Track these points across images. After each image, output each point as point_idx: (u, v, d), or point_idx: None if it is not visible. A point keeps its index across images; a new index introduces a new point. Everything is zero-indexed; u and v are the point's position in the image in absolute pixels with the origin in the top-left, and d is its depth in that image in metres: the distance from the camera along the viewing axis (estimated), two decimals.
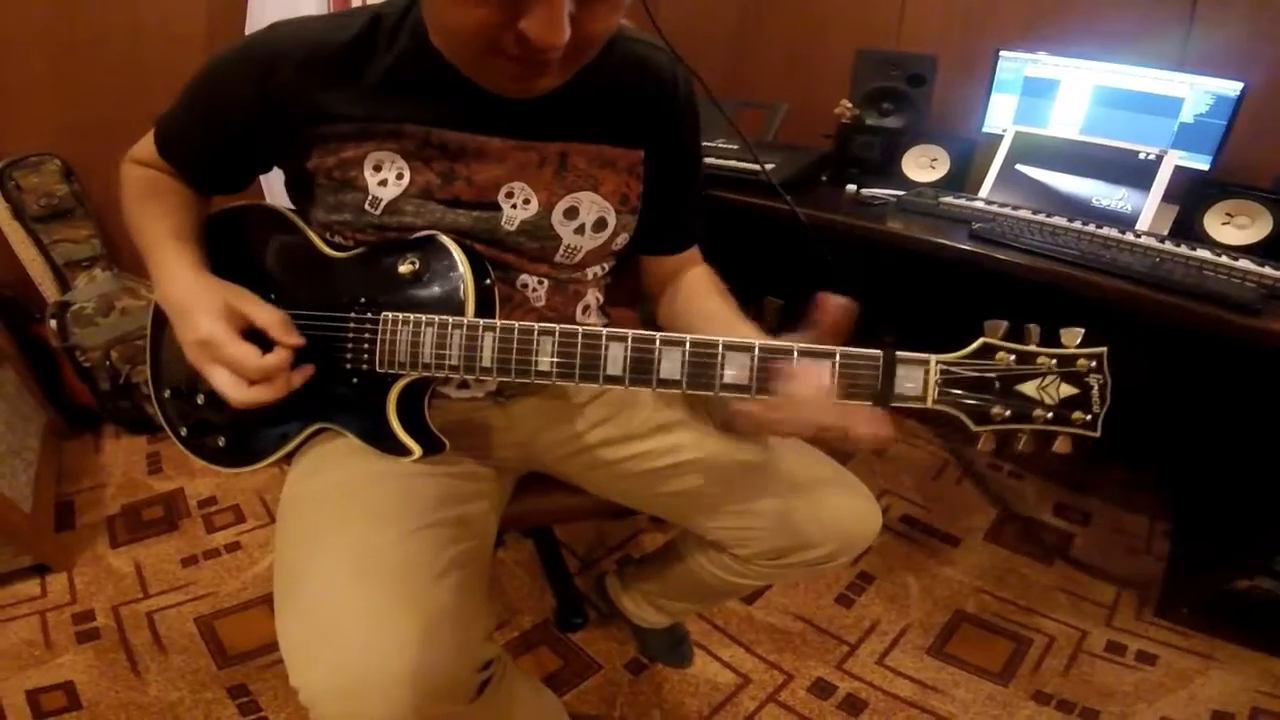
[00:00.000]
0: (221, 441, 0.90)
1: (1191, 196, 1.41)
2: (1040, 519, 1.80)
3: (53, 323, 1.83)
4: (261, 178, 0.95)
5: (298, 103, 0.78)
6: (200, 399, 0.90)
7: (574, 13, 0.64)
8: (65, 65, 1.82)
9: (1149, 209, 1.44)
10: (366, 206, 0.80)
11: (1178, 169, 1.44)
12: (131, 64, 1.87)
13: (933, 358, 0.67)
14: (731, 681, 1.35)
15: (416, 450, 0.80)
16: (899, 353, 0.67)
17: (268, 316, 0.76)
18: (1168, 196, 1.44)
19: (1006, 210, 1.50)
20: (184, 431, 0.93)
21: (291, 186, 0.88)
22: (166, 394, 0.94)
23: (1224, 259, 1.26)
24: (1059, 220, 1.43)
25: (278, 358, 0.74)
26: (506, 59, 0.67)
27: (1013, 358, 0.66)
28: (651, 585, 1.25)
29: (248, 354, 0.72)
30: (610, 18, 0.68)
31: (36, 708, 1.24)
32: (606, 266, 0.96)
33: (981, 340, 0.67)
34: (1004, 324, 0.67)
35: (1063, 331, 0.66)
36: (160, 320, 0.94)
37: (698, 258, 1.03)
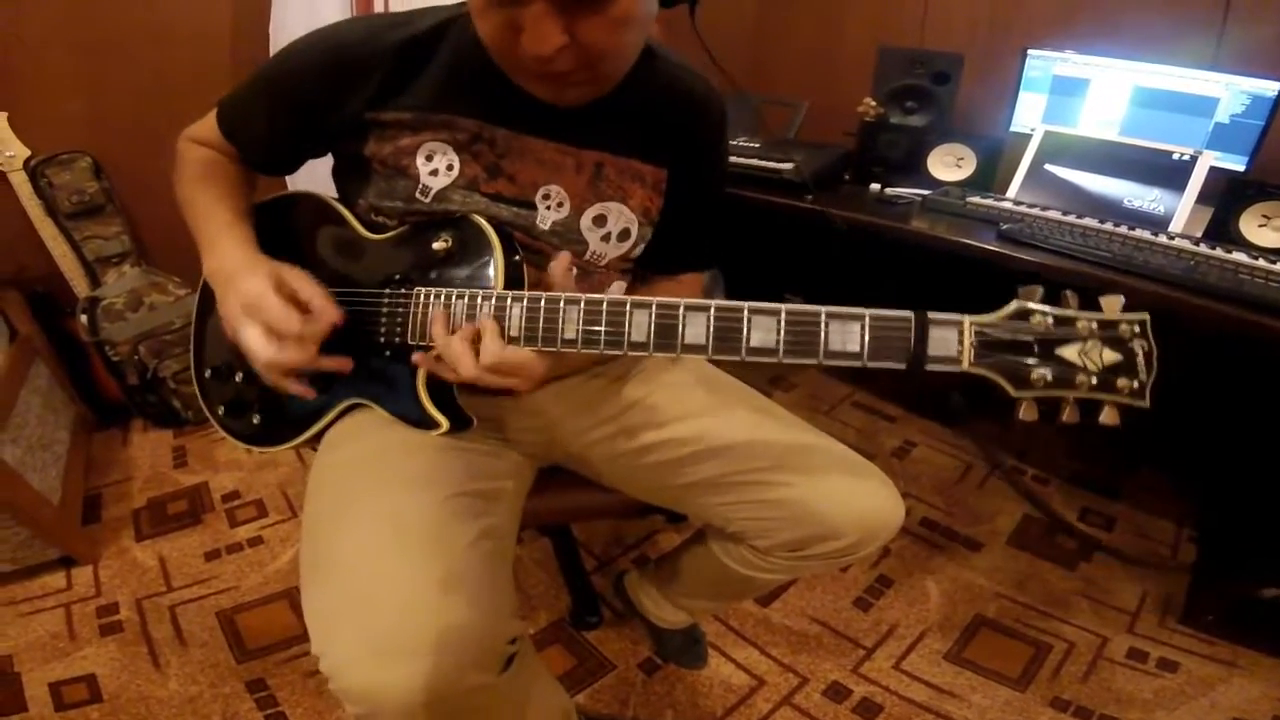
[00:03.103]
0: (256, 419, 0.93)
1: (1227, 198, 1.38)
2: (1064, 524, 1.77)
3: (83, 317, 1.86)
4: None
5: (362, 93, 0.82)
6: (239, 377, 0.93)
7: (572, 29, 0.67)
8: (92, 64, 1.85)
9: (1183, 211, 1.41)
10: (417, 194, 0.84)
11: (1212, 170, 1.40)
12: (156, 63, 1.89)
13: (966, 318, 0.64)
14: (745, 683, 1.34)
15: (444, 423, 0.82)
16: (931, 313, 0.65)
17: (311, 290, 0.79)
18: (1202, 198, 1.40)
19: (1035, 211, 1.48)
20: (221, 410, 0.96)
21: (341, 171, 0.91)
22: (207, 373, 0.98)
23: (1261, 262, 1.23)
24: (1090, 221, 1.40)
25: (314, 326, 0.77)
26: (531, 71, 0.71)
27: (1051, 320, 0.63)
28: (670, 582, 1.25)
29: (290, 316, 0.76)
30: (616, 32, 0.70)
31: (59, 699, 1.26)
32: (628, 266, 0.98)
33: (1016, 302, 0.64)
34: (1039, 288, 0.64)
35: (1102, 298, 0.63)
36: (206, 302, 0.97)
37: (694, 282, 1.06)
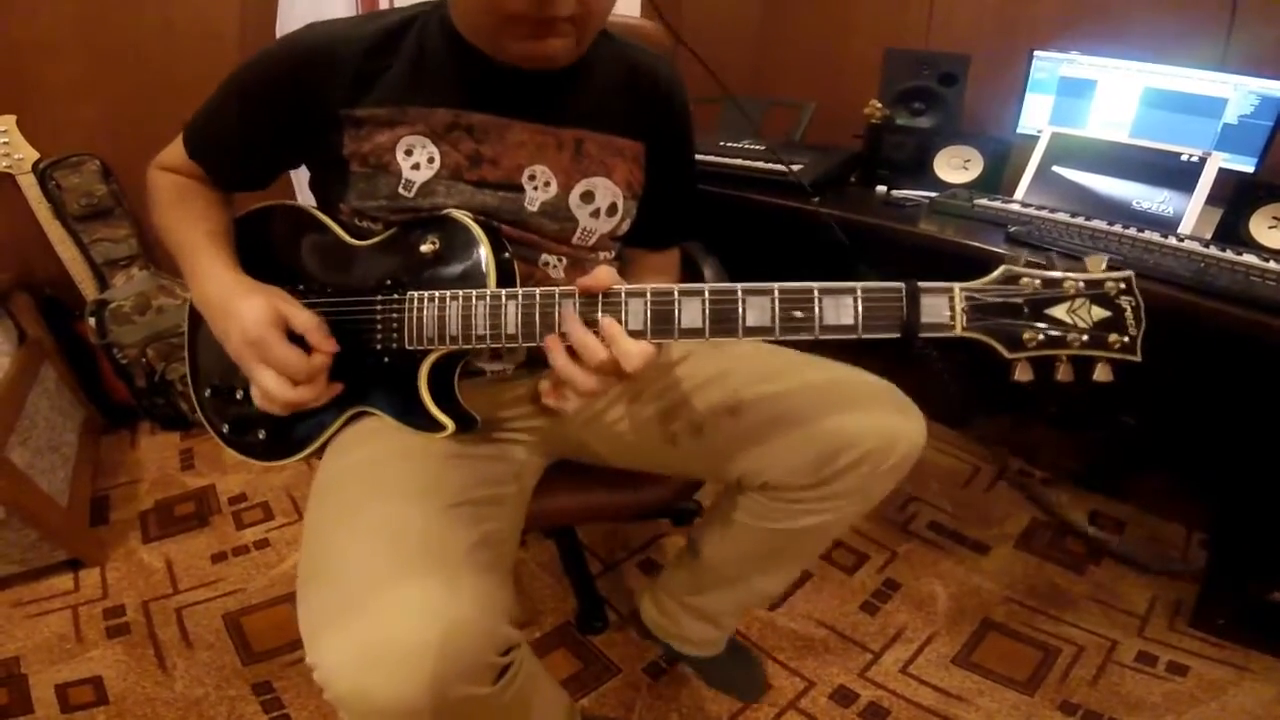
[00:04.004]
0: (262, 435, 0.93)
1: (1237, 199, 1.36)
2: (1073, 527, 1.76)
3: (91, 320, 1.87)
4: (292, 178, 0.97)
5: (334, 91, 0.82)
6: (239, 394, 0.93)
7: None
8: (101, 66, 1.87)
9: (1192, 212, 1.40)
10: (401, 190, 0.84)
11: (1222, 171, 1.39)
12: (165, 65, 1.90)
13: (956, 285, 0.66)
14: None
15: (450, 425, 0.82)
16: (921, 283, 0.67)
17: (306, 320, 0.79)
18: (1211, 199, 1.39)
19: (1044, 213, 1.47)
20: (225, 429, 0.96)
21: (319, 179, 0.91)
22: (207, 393, 0.97)
23: (1272, 264, 1.21)
24: (1099, 223, 1.40)
25: (320, 360, 0.78)
26: (520, 22, 0.73)
27: (1039, 282, 0.65)
28: (682, 581, 1.19)
29: (297, 357, 0.76)
30: None
31: (65, 701, 1.27)
32: (615, 250, 0.99)
33: (1004, 267, 0.66)
34: (1024, 252, 0.67)
35: (1086, 258, 0.65)
36: (197, 321, 0.97)
37: (675, 255, 1.10)
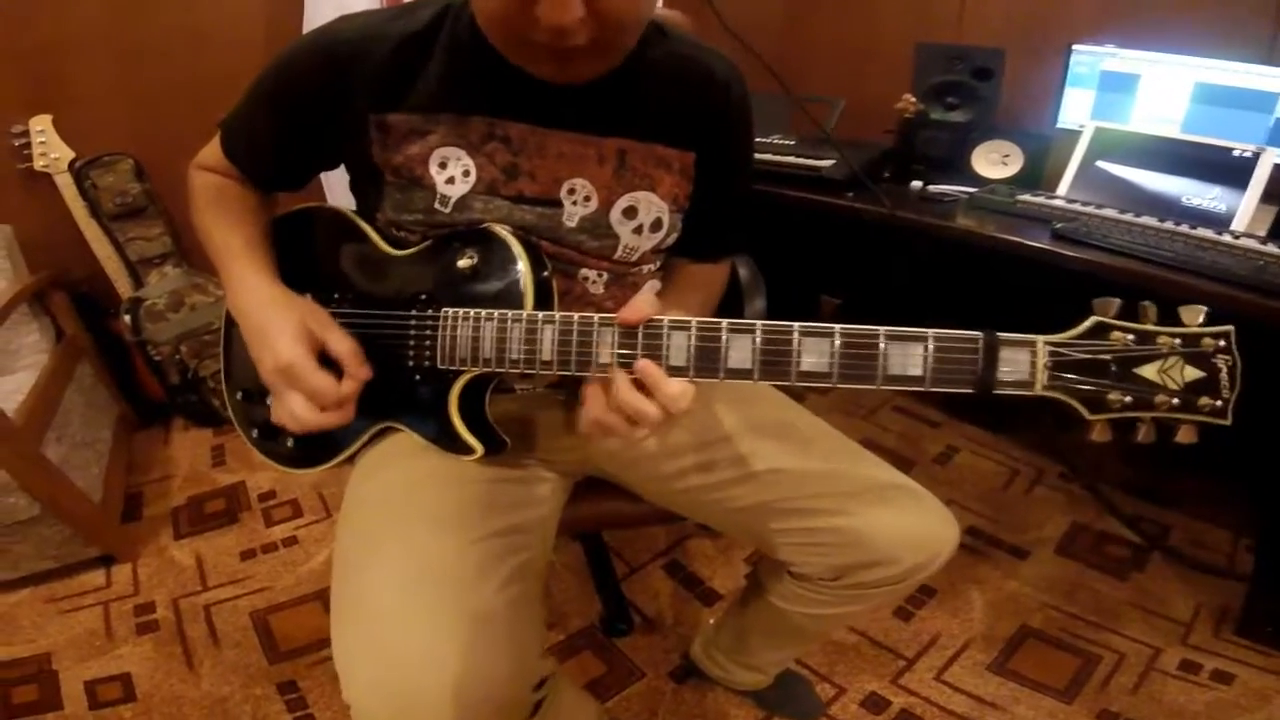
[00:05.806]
0: (290, 443, 0.91)
1: None
2: (1116, 532, 1.71)
3: (126, 318, 1.90)
4: (322, 179, 0.95)
5: (364, 93, 0.78)
6: (269, 401, 0.91)
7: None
8: (132, 68, 1.89)
9: (1245, 209, 1.35)
10: (437, 205, 0.80)
11: (1276, 167, 1.34)
12: (193, 67, 1.93)
13: (1040, 339, 0.60)
14: None
15: (479, 449, 0.79)
16: (1001, 334, 0.61)
17: (341, 346, 0.76)
18: (1265, 196, 1.34)
19: (1090, 209, 1.43)
20: (255, 434, 0.95)
21: (358, 185, 0.88)
22: (238, 396, 0.96)
23: None
24: (1149, 220, 1.35)
25: (351, 388, 0.75)
26: (537, 44, 0.67)
27: (1130, 338, 0.59)
28: (732, 644, 1.21)
29: (329, 384, 0.74)
30: (636, 1, 0.67)
31: (93, 698, 1.28)
32: (659, 262, 0.94)
33: (1094, 319, 0.60)
34: (1116, 301, 0.60)
35: (1182, 309, 0.59)
36: (232, 323, 0.96)
37: (722, 266, 1.02)
